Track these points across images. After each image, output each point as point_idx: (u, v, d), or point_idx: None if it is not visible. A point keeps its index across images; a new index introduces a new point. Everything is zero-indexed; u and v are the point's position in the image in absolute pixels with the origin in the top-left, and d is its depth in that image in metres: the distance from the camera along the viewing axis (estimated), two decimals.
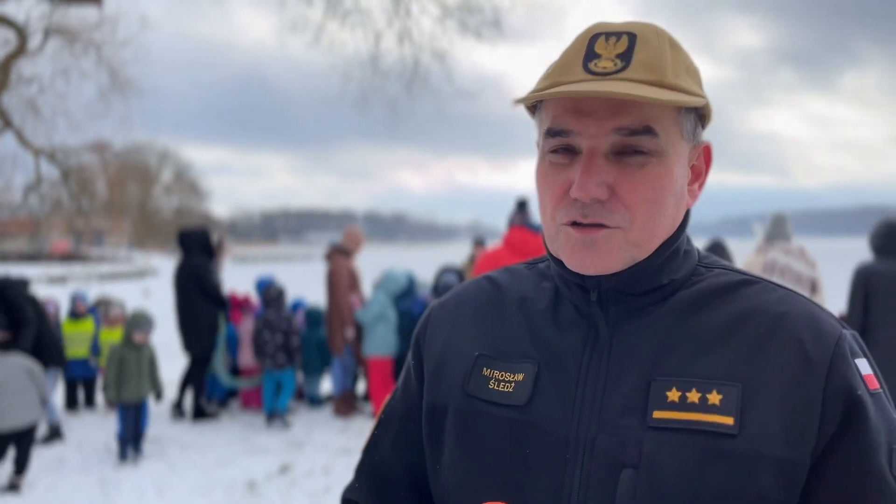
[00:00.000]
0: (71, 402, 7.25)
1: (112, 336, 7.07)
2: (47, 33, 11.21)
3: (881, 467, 0.75)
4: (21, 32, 10.46)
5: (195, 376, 7.01)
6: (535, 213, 4.97)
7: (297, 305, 7.67)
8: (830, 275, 4.85)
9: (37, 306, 6.22)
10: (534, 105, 0.89)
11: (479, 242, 10.14)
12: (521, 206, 4.92)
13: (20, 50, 10.62)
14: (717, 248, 5.53)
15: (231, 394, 7.69)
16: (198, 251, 7.11)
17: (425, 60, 10.00)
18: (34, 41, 11.07)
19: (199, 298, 6.95)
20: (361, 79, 10.10)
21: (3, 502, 4.83)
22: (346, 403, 7.06)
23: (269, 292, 6.89)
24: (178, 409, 7.04)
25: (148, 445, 6.16)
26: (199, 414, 6.91)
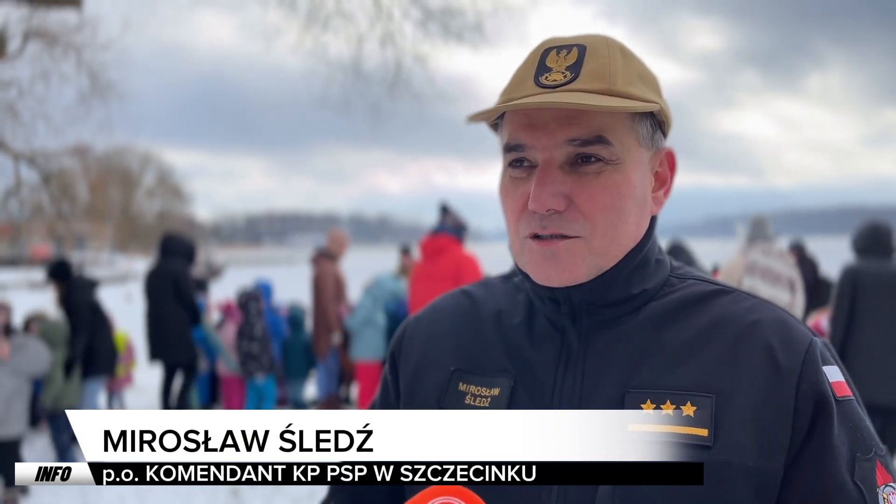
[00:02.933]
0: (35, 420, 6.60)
1: None
2: (26, 37, 11.10)
3: (841, 474, 0.75)
4: (0, 36, 10.37)
5: (183, 388, 6.65)
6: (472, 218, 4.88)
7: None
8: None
9: (98, 311, 6.21)
10: (496, 122, 0.89)
11: (405, 250, 9.61)
12: (443, 210, 4.93)
13: None
14: (677, 251, 5.37)
15: (213, 399, 7.66)
16: (179, 256, 6.77)
17: (407, 64, 10.04)
18: (13, 45, 10.96)
19: (175, 306, 6.56)
20: (343, 82, 10.13)
21: None
22: (330, 408, 7.05)
23: (240, 298, 6.71)
24: None
25: None
26: None
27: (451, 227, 4.91)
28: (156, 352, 6.59)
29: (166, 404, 6.75)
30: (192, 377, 6.72)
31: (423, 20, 9.94)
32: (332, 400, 7.10)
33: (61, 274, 6.23)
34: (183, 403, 6.66)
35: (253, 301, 6.69)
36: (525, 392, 0.85)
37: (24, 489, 5.04)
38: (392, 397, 1.00)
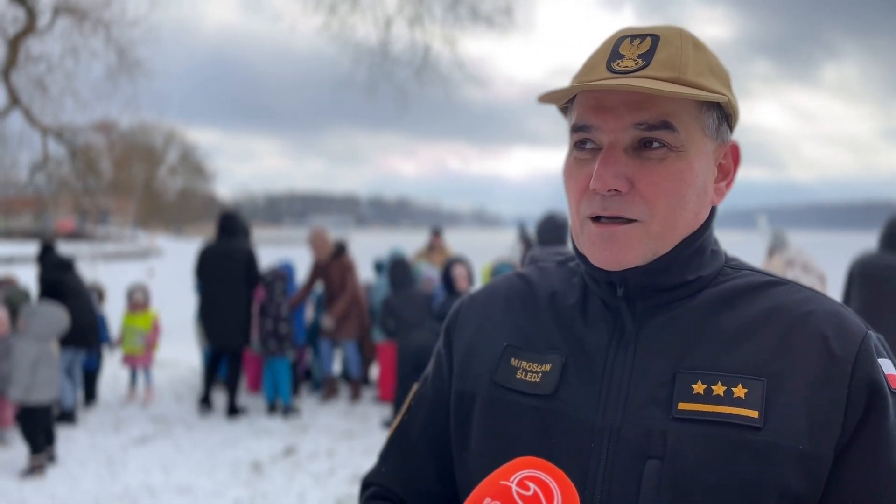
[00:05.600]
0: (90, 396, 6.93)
1: (135, 322, 7.05)
2: (56, 12, 11.16)
3: (895, 462, 0.76)
4: (30, 11, 10.42)
5: (233, 373, 6.61)
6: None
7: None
8: (838, 270, 4.89)
9: (66, 288, 6.27)
10: (566, 106, 0.91)
11: (436, 232, 9.57)
12: None
13: (29, 28, 10.58)
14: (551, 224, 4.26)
15: None
16: (243, 236, 6.72)
17: (436, 47, 10.00)
18: (43, 20, 11.02)
19: (245, 288, 6.58)
20: (371, 64, 10.11)
21: (10, 482, 4.89)
22: (331, 389, 7.15)
23: (265, 277, 6.73)
24: (206, 402, 6.62)
25: (154, 425, 6.23)
26: (234, 411, 6.55)
27: None
28: (217, 335, 6.51)
29: (210, 386, 6.67)
30: (240, 364, 6.72)
31: (453, 3, 9.86)
32: (331, 381, 7.19)
33: (41, 256, 6.51)
34: (235, 388, 6.59)
35: (279, 280, 6.74)
36: (575, 369, 0.87)
37: (51, 457, 5.15)
38: (445, 371, 1.02)
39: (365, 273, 7.77)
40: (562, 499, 0.71)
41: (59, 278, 6.31)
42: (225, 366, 6.97)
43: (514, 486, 0.72)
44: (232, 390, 6.57)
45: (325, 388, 7.18)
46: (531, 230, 8.67)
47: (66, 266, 6.47)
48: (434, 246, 9.30)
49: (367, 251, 7.55)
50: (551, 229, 4.19)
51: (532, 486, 0.72)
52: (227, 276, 6.53)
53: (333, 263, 7.06)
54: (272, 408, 6.65)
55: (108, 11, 11.61)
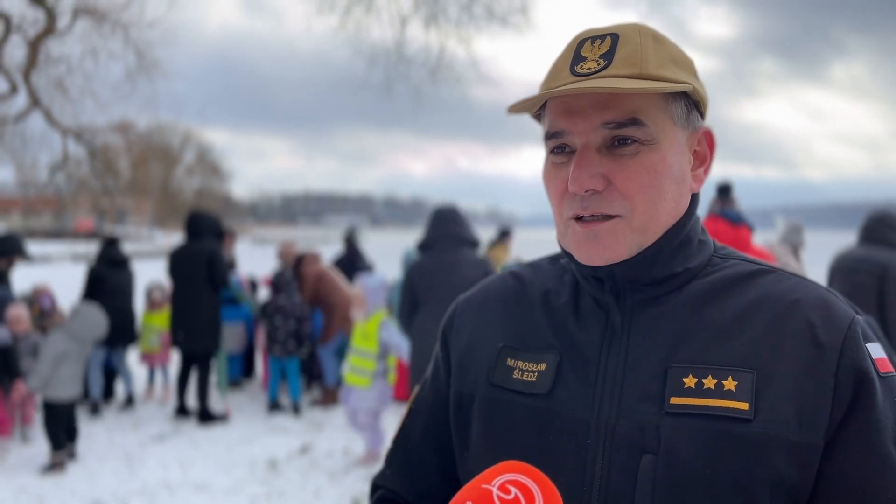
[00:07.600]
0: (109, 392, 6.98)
1: (153, 320, 7.11)
2: (76, 13, 11.27)
3: (886, 448, 0.77)
4: (50, 12, 10.54)
5: (201, 377, 6.30)
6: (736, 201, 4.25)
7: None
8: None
9: (108, 282, 6.44)
10: (539, 114, 0.93)
11: (505, 233, 9.58)
12: (722, 191, 4.30)
13: (49, 30, 10.70)
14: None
15: (246, 374, 7.78)
16: (210, 236, 6.49)
17: (450, 47, 10.02)
18: (63, 21, 11.14)
19: (207, 290, 6.28)
20: (386, 65, 10.14)
21: (30, 478, 4.96)
22: (330, 397, 7.00)
23: (282, 277, 6.70)
24: (182, 411, 6.39)
25: (171, 423, 6.28)
26: (206, 417, 6.25)
27: (735, 215, 4.17)
28: (179, 339, 6.31)
29: (183, 394, 6.42)
30: (208, 369, 6.43)
31: (468, 2, 9.86)
32: (331, 390, 7.07)
33: (100, 250, 6.72)
34: (204, 395, 6.31)
35: (294, 280, 6.78)
36: (570, 367, 0.88)
37: (71, 453, 5.21)
38: (443, 373, 1.04)
39: (381, 271, 7.79)
40: (543, 503, 0.72)
41: (104, 275, 6.54)
42: (235, 367, 6.93)
43: (495, 490, 0.72)
44: (202, 396, 6.28)
45: (323, 395, 7.02)
46: (356, 233, 8.51)
47: (115, 264, 6.70)
48: (499, 245, 9.38)
49: (381, 250, 7.55)
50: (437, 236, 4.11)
51: (513, 489, 0.72)
52: (191, 279, 6.25)
53: (301, 274, 7.07)
54: (274, 406, 6.63)
55: (126, 13, 11.72)
